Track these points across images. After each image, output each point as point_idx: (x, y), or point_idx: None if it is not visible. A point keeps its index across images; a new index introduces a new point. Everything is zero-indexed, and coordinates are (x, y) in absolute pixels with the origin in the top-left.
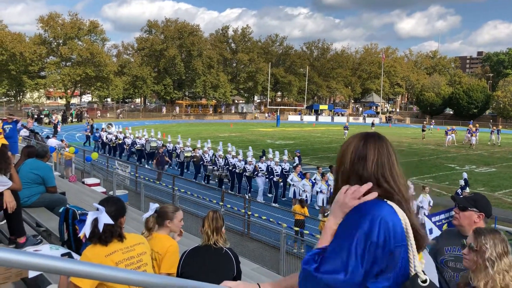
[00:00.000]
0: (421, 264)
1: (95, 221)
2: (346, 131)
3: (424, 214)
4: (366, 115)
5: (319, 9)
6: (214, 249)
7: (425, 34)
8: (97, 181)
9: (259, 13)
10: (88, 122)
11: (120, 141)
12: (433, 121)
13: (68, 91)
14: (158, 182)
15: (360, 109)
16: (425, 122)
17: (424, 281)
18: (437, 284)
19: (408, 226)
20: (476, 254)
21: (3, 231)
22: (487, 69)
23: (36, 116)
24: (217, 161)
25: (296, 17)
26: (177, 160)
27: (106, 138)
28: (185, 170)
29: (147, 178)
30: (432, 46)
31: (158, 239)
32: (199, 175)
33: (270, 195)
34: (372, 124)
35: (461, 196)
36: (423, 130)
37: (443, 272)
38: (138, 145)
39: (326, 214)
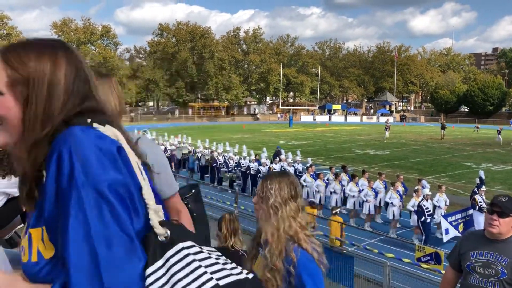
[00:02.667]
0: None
1: None
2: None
3: (441, 214)
4: (379, 114)
5: (332, 8)
6: (230, 252)
7: (439, 31)
8: None
9: (271, 14)
10: None
11: None
12: (477, 120)
13: None
14: None
15: (372, 110)
16: (443, 120)
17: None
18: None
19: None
20: (262, 202)
21: (20, 235)
22: (502, 66)
23: None
24: (227, 163)
25: (309, 17)
26: (199, 163)
27: None
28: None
29: None
30: (447, 44)
31: None
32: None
33: None
34: (386, 123)
35: (502, 201)
36: (442, 129)
37: (469, 277)
38: (168, 153)
39: (334, 212)
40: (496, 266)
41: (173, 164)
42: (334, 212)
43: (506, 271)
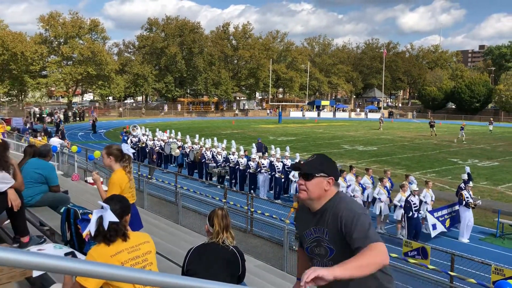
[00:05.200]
0: None
1: (100, 219)
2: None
3: (427, 210)
4: (367, 110)
5: (323, 4)
6: (220, 247)
7: (428, 28)
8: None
9: (262, 9)
10: (91, 119)
11: (143, 145)
12: (492, 118)
13: (70, 90)
14: (150, 176)
15: (358, 109)
16: (432, 118)
17: None
18: None
19: None
20: None
21: (7, 231)
22: (489, 63)
23: (38, 115)
24: (216, 158)
25: (299, 13)
26: (187, 159)
27: (131, 141)
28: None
29: (149, 176)
30: (436, 41)
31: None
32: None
33: (271, 192)
34: (381, 120)
35: (302, 161)
36: (431, 126)
37: (313, 261)
38: (157, 148)
39: None
40: (323, 242)
41: (154, 157)
42: None
43: (332, 246)
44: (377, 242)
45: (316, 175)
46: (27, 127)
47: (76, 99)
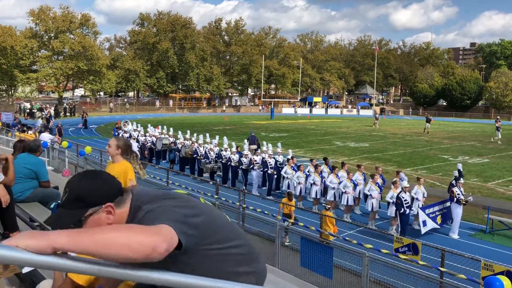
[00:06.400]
0: None
1: None
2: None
3: (418, 206)
4: (359, 107)
5: (316, 1)
6: None
7: (421, 25)
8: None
9: (255, 5)
10: (82, 116)
11: (134, 140)
12: (498, 116)
13: (61, 85)
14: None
15: (350, 106)
16: (427, 114)
17: None
18: None
19: None
20: None
21: None
22: (479, 60)
23: (28, 110)
24: (208, 154)
25: (292, 9)
26: (179, 154)
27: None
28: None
29: None
30: (428, 38)
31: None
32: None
33: (264, 188)
34: (375, 117)
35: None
36: (427, 122)
37: None
38: (149, 143)
39: (327, 207)
40: None
41: (146, 152)
42: (327, 207)
43: None
44: (165, 225)
45: (82, 218)
46: (40, 124)
47: (67, 94)
